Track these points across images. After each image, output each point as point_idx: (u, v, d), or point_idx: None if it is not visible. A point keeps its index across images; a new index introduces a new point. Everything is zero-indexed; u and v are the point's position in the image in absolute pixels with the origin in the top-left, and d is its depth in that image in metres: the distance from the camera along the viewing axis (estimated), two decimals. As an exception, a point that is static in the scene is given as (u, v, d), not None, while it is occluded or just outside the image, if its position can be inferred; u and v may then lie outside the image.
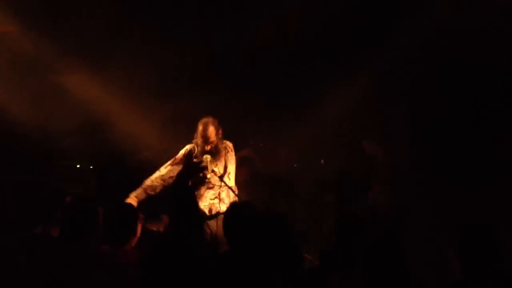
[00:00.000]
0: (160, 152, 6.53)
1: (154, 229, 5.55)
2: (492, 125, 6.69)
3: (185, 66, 7.10)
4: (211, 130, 5.29)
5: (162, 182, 5.34)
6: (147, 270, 2.51)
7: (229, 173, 5.39)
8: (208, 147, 5.31)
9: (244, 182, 6.10)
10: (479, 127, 6.73)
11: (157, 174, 5.37)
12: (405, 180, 6.70)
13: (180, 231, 3.05)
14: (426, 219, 6.16)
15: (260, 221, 3.54)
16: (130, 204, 4.41)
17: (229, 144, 5.49)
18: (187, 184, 5.23)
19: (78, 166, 7.06)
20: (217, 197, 5.32)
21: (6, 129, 6.34)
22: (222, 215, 4.94)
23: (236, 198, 5.26)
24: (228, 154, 5.42)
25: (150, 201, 5.43)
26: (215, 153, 5.35)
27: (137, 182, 5.41)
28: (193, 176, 5.33)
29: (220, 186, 5.31)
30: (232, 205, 4.01)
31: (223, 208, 5.20)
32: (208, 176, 5.28)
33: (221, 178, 5.28)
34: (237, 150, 5.71)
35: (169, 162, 5.43)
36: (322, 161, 7.56)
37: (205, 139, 5.28)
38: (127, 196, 5.28)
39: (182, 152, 5.45)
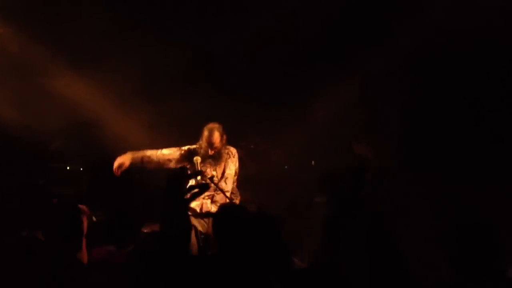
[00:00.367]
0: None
1: (147, 230, 5.56)
2: (488, 125, 6.71)
3: (175, 66, 7.08)
4: (216, 136, 5.49)
5: (158, 160, 5.47)
6: (138, 270, 2.50)
7: (226, 178, 5.56)
8: (211, 152, 5.47)
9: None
10: (475, 126, 6.75)
11: (158, 151, 5.52)
12: (394, 181, 6.71)
13: (170, 232, 3.04)
14: (424, 219, 6.16)
15: (250, 222, 3.54)
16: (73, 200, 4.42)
17: (232, 150, 5.69)
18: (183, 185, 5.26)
19: (68, 167, 7.04)
20: (210, 198, 5.45)
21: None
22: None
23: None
24: (229, 160, 5.61)
25: (145, 204, 5.48)
26: (217, 158, 5.54)
27: (127, 183, 5.44)
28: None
29: (216, 188, 5.44)
30: (222, 206, 4.03)
31: (214, 209, 5.30)
32: (198, 178, 5.35)
33: (211, 179, 5.41)
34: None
35: (173, 148, 5.55)
36: (313, 162, 7.56)
37: (210, 145, 5.47)
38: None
39: (187, 147, 5.60)
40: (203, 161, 5.46)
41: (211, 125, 5.56)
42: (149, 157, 5.47)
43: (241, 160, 5.93)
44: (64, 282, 2.92)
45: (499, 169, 6.45)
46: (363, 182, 6.87)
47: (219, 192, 5.43)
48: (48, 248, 3.08)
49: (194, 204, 5.40)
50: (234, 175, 5.67)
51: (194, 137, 5.73)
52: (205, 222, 5.38)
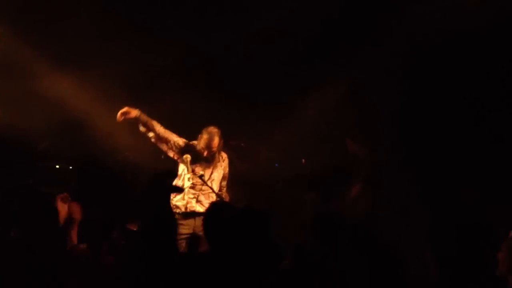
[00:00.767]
0: (140, 152, 6.53)
1: (134, 229, 5.56)
2: (485, 125, 6.73)
3: (164, 65, 7.07)
4: (216, 141, 5.55)
5: (159, 133, 5.51)
6: (127, 268, 2.50)
7: (213, 180, 5.64)
8: (206, 154, 5.53)
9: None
10: (472, 126, 6.77)
11: (162, 128, 5.53)
12: (386, 180, 6.72)
13: (154, 229, 3.05)
14: (423, 219, 6.16)
15: (241, 219, 3.54)
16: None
17: (223, 155, 5.79)
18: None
19: (57, 167, 7.01)
20: (196, 197, 5.51)
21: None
22: (200, 215, 5.23)
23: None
24: (218, 164, 5.71)
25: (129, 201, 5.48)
26: (210, 160, 5.61)
27: (117, 182, 5.44)
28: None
29: (201, 189, 5.50)
30: (213, 204, 4.05)
31: (199, 209, 5.46)
32: (189, 175, 5.51)
33: (201, 177, 5.49)
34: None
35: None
36: (304, 160, 7.57)
37: (208, 148, 5.51)
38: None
39: (187, 140, 5.63)
40: (194, 161, 5.48)
41: (211, 129, 5.58)
42: (153, 125, 5.49)
43: (231, 159, 5.98)
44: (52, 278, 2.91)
45: (496, 168, 6.47)
46: (353, 181, 6.88)
47: (204, 192, 5.51)
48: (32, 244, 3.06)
49: (180, 203, 5.47)
50: (223, 179, 5.73)
51: (183, 136, 5.73)
52: (190, 223, 5.43)
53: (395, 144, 6.91)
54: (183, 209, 5.48)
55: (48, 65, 6.44)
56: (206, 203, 5.46)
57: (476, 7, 6.39)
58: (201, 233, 5.33)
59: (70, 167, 7.07)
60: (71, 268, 3.00)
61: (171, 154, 5.59)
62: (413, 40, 6.82)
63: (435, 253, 2.94)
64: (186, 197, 5.50)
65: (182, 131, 5.73)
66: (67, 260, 3.09)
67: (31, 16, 6.47)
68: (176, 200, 5.48)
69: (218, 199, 5.47)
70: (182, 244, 5.30)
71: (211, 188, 5.55)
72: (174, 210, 5.34)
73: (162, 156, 5.97)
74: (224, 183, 5.76)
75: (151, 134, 5.51)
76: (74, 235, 3.68)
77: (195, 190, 5.53)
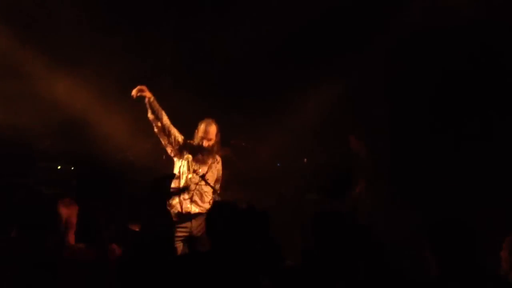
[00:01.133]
0: (140, 152, 6.54)
1: (136, 229, 5.55)
2: (477, 125, 6.73)
3: (162, 65, 7.08)
4: (213, 128, 5.54)
5: (165, 124, 5.50)
6: (126, 268, 2.50)
7: (207, 180, 5.58)
8: (206, 144, 5.51)
9: (225, 182, 6.14)
10: (461, 128, 6.78)
11: (169, 120, 5.55)
12: (387, 178, 6.73)
13: (154, 229, 3.04)
14: (414, 217, 6.17)
15: (241, 218, 3.54)
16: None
17: (218, 158, 5.75)
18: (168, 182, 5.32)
19: (58, 167, 7.02)
20: (190, 198, 5.49)
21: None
22: (196, 216, 5.40)
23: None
24: (213, 165, 5.65)
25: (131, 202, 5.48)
26: (206, 156, 5.57)
27: (117, 182, 5.44)
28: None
29: (195, 189, 5.48)
30: (215, 204, 4.06)
31: (194, 209, 5.45)
32: (190, 176, 5.50)
33: (202, 177, 5.50)
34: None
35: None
36: (305, 159, 7.57)
37: (206, 137, 5.51)
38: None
39: (185, 138, 5.63)
40: (194, 156, 5.53)
41: (207, 119, 5.61)
42: (162, 114, 5.50)
43: (231, 159, 5.97)
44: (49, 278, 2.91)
45: (496, 168, 6.47)
46: (354, 180, 6.89)
47: (197, 192, 5.49)
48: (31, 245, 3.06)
49: (174, 202, 5.46)
50: (216, 182, 5.71)
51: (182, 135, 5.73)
52: (187, 225, 5.42)
53: (391, 143, 6.93)
54: (178, 209, 5.45)
55: (46, 65, 6.44)
56: (201, 203, 5.49)
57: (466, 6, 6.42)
58: (199, 234, 5.38)
59: (71, 167, 7.08)
60: (69, 268, 3.01)
61: (169, 149, 5.59)
62: (407, 38, 6.84)
63: (435, 253, 2.94)
64: (181, 197, 5.48)
65: (181, 131, 5.72)
66: (65, 260, 3.09)
67: (30, 16, 6.48)
68: (171, 200, 5.47)
69: (215, 199, 5.49)
70: (180, 246, 5.29)
71: (213, 188, 5.53)
72: (169, 209, 5.35)
73: (164, 157, 5.97)
74: (217, 186, 5.74)
75: (158, 124, 5.52)
76: (71, 236, 3.68)
77: (190, 190, 5.50)
